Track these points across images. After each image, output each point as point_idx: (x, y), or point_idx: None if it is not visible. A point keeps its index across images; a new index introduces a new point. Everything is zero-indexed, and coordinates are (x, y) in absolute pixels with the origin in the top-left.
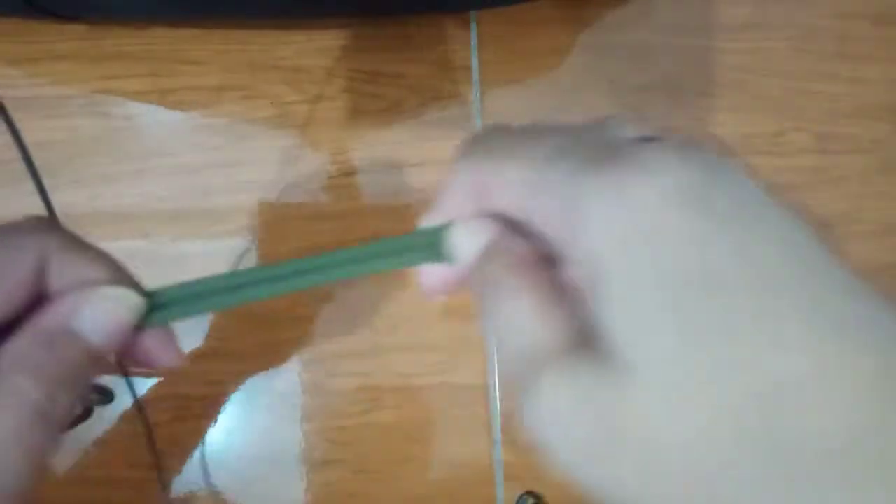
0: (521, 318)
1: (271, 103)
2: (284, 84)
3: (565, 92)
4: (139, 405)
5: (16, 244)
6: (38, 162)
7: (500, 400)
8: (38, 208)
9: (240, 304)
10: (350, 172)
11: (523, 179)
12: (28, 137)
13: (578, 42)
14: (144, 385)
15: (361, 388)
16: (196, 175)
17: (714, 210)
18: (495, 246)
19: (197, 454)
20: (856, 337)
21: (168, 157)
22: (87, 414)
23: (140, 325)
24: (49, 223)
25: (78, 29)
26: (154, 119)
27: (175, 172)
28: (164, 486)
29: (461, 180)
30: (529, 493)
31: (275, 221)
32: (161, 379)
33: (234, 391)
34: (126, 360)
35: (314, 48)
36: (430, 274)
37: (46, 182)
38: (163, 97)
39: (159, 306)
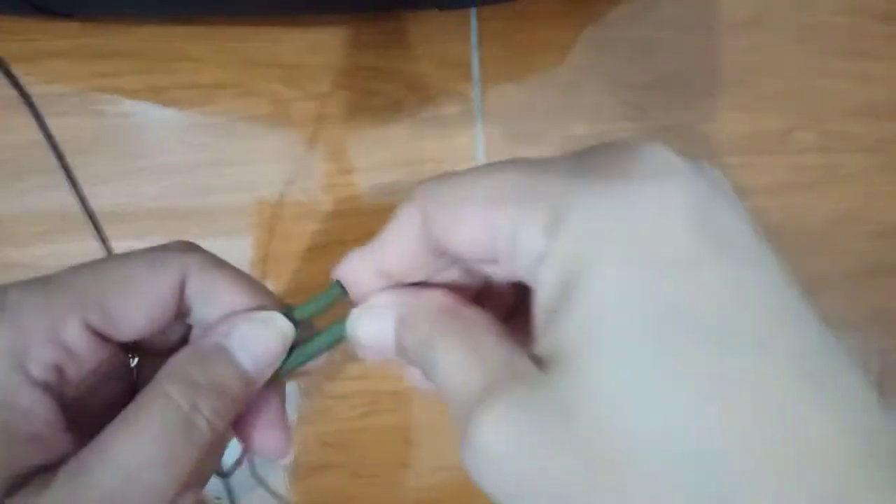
0: (452, 367)
1: (268, 101)
2: (281, 82)
3: (567, 89)
4: None
5: (160, 262)
6: (32, 162)
7: None
8: (38, 207)
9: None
10: (348, 171)
11: (497, 194)
12: (22, 136)
13: (580, 38)
14: None
15: (359, 392)
16: (192, 174)
17: (713, 237)
18: (410, 316)
19: None
20: (842, 406)
21: (163, 156)
22: None
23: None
24: (190, 244)
25: (72, 27)
26: (149, 117)
27: (170, 171)
28: None
29: (406, 223)
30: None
31: (271, 221)
32: None
33: None
34: (240, 439)
35: (312, 45)
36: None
37: (41, 182)
38: (158, 95)
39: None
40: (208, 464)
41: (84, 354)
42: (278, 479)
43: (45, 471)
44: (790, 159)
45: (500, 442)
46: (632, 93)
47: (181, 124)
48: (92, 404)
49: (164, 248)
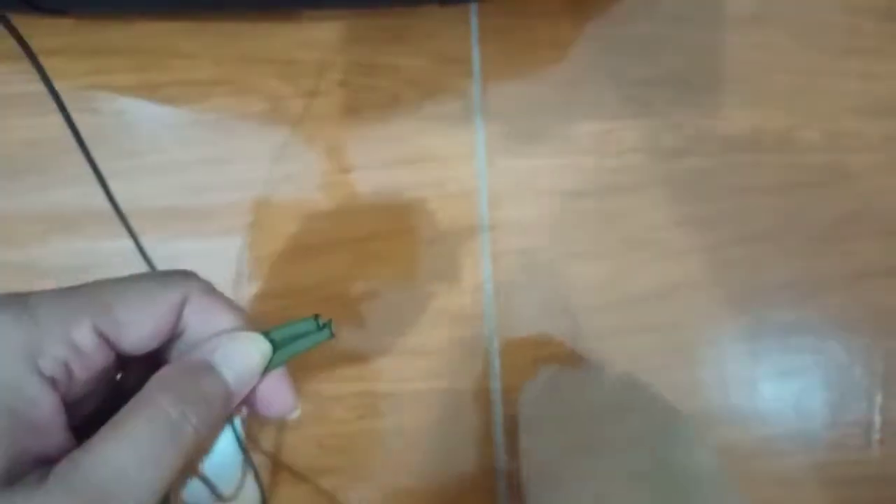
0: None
1: (264, 98)
2: (278, 78)
3: (567, 85)
4: None
5: (168, 281)
6: (27, 160)
7: (502, 405)
8: (36, 207)
9: (304, 351)
10: (346, 169)
11: None
12: (18, 135)
13: (581, 34)
14: None
15: (355, 394)
16: (188, 172)
17: None
18: None
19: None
20: None
21: (159, 154)
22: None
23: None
24: (190, 272)
25: (66, 24)
26: (144, 114)
27: (166, 169)
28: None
29: None
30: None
31: (269, 219)
32: None
33: None
34: (250, 408)
35: (308, 40)
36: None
37: (36, 181)
38: (153, 92)
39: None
40: (190, 465)
41: (91, 357)
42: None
43: (42, 463)
44: (793, 157)
45: None
46: (633, 89)
47: (176, 121)
48: (84, 407)
49: (168, 273)
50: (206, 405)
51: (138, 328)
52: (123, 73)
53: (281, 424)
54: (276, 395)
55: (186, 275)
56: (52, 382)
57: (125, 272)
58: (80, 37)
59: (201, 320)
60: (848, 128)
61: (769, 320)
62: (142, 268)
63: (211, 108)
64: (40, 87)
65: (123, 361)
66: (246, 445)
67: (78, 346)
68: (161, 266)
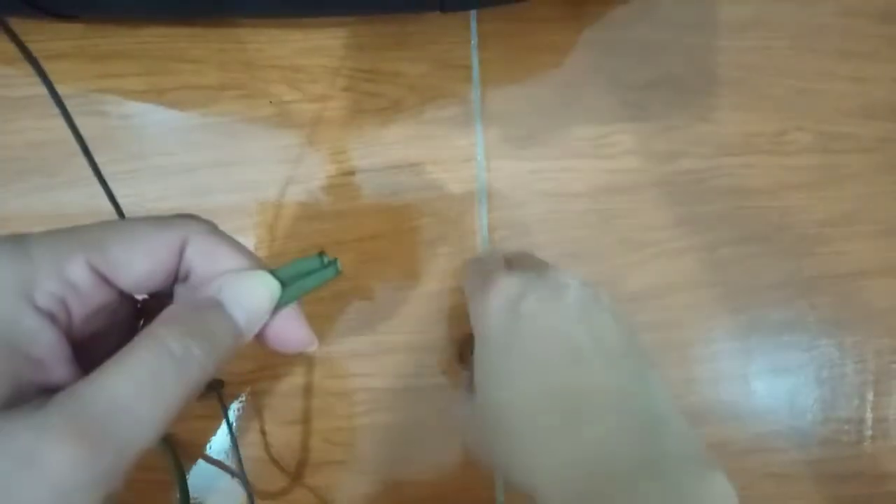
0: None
1: (270, 102)
2: (283, 83)
3: (566, 89)
4: None
5: (164, 223)
6: (35, 162)
7: None
8: (43, 208)
9: (313, 287)
10: (349, 172)
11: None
12: (26, 137)
13: (579, 40)
14: None
15: (360, 390)
16: (194, 175)
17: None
18: None
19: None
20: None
21: (166, 157)
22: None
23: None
24: (192, 215)
25: (75, 28)
26: (151, 118)
27: (173, 172)
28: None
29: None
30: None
31: (274, 221)
32: None
33: (234, 394)
34: (266, 345)
35: (313, 47)
36: None
37: (44, 182)
38: (160, 96)
39: (283, 286)
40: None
41: (87, 293)
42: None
43: (45, 392)
44: (789, 159)
45: None
46: (631, 93)
47: (183, 125)
48: (100, 351)
49: (167, 217)
50: (211, 341)
51: (133, 267)
52: (131, 78)
53: (286, 420)
54: (291, 331)
55: (186, 217)
56: (50, 317)
57: None
58: (89, 41)
59: (206, 262)
60: (842, 130)
61: (763, 319)
62: None
63: (217, 113)
64: (45, 91)
65: (142, 307)
66: (238, 443)
67: (73, 282)
68: None
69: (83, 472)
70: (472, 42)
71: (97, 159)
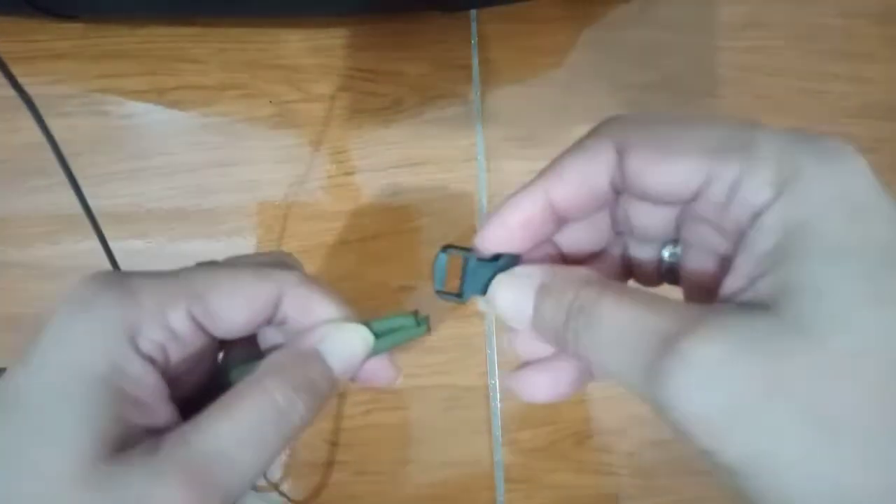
0: (625, 323)
1: (270, 102)
2: (284, 83)
3: (566, 90)
4: None
5: (264, 275)
6: (34, 163)
7: (501, 401)
8: (42, 209)
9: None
10: (350, 172)
11: (717, 145)
12: (26, 137)
13: (579, 40)
14: None
15: (362, 390)
16: (195, 174)
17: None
18: (554, 283)
19: None
20: None
21: (166, 157)
22: None
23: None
24: (288, 261)
25: (76, 28)
26: (152, 118)
27: (174, 172)
28: None
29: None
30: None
31: (274, 221)
32: None
33: None
34: (353, 381)
35: (313, 47)
36: (522, 344)
37: (43, 183)
38: (161, 96)
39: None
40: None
41: (186, 341)
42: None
43: (149, 434)
44: None
45: (721, 352)
46: (631, 93)
47: (184, 125)
48: (185, 382)
49: (268, 262)
50: (312, 393)
51: (231, 318)
52: (132, 77)
53: None
54: (377, 372)
55: (284, 268)
56: (151, 361)
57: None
58: (90, 41)
59: (301, 311)
60: (841, 130)
61: None
62: (146, 268)
63: (218, 112)
64: (46, 90)
65: (224, 341)
66: None
67: (174, 331)
68: (169, 267)
69: None
70: (472, 42)
71: (97, 159)
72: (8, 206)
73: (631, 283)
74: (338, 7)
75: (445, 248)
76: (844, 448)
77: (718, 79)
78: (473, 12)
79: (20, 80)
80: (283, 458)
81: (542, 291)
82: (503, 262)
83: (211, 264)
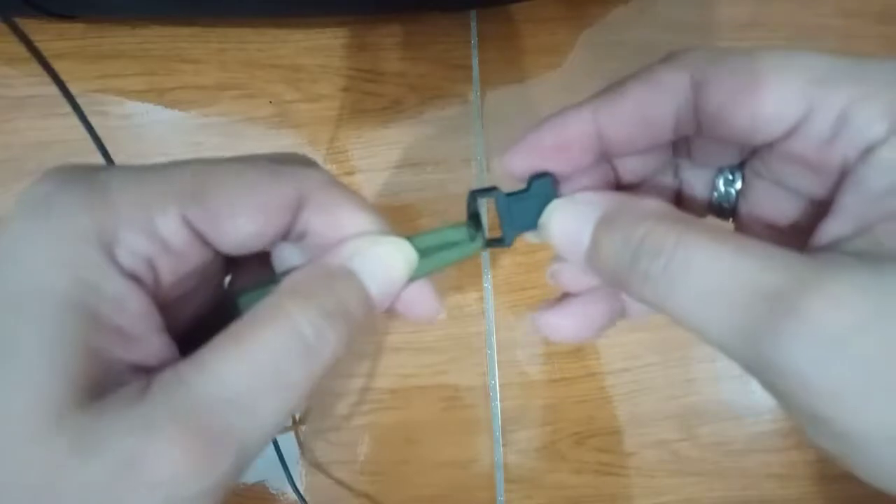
0: (720, 273)
1: (270, 102)
2: (283, 83)
3: (565, 90)
4: None
5: (280, 172)
6: (35, 162)
7: (501, 401)
8: None
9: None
10: (350, 172)
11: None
12: (25, 137)
13: (579, 41)
14: None
15: (361, 389)
16: None
17: None
18: (619, 215)
19: None
20: None
21: (166, 157)
22: None
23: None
24: (309, 159)
25: (76, 28)
26: (152, 118)
27: None
28: None
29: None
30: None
31: None
32: None
33: None
34: (390, 311)
35: (313, 46)
36: (564, 275)
37: None
38: (161, 96)
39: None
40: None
41: (180, 253)
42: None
43: (137, 373)
44: None
45: (855, 316)
46: None
47: (183, 125)
48: (183, 311)
49: (283, 159)
50: (345, 320)
51: (238, 226)
52: (132, 78)
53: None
54: (417, 300)
55: (304, 165)
56: (136, 280)
57: None
58: (90, 41)
59: (327, 220)
60: None
61: None
62: None
63: (218, 113)
64: (48, 90)
65: (230, 262)
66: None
67: (163, 239)
68: None
69: (197, 481)
70: (473, 42)
71: (98, 159)
72: (6, 206)
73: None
74: (338, 7)
75: (472, 194)
76: None
77: None
78: (473, 12)
79: (19, 80)
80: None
81: (605, 223)
82: (537, 188)
83: (209, 158)
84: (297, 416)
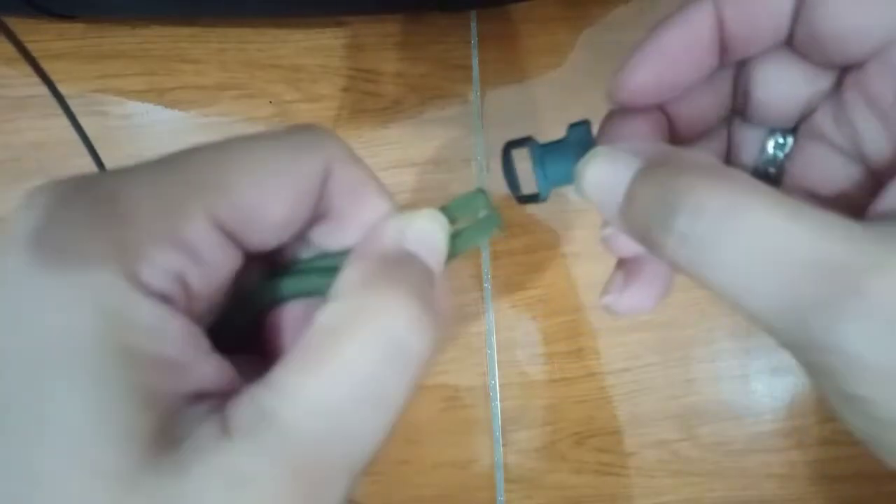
0: (771, 239)
1: (270, 102)
2: (283, 83)
3: (565, 91)
4: None
5: (301, 147)
6: (34, 162)
7: (501, 401)
8: None
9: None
10: None
11: None
12: (25, 137)
13: (579, 41)
14: None
15: None
16: None
17: None
18: (661, 168)
19: None
20: None
21: None
22: None
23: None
24: (327, 130)
25: (76, 28)
26: (152, 118)
27: None
28: None
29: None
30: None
31: None
32: None
33: None
34: None
35: (313, 47)
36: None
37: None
38: (161, 96)
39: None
40: None
41: (210, 261)
42: None
43: (199, 401)
44: None
45: None
46: None
47: (183, 126)
48: (207, 320)
49: (302, 131)
50: (431, 309)
51: (270, 212)
52: (131, 78)
53: None
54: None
55: (320, 133)
56: (166, 300)
57: None
58: (89, 41)
59: (350, 201)
60: None
61: None
62: None
63: (217, 113)
64: (45, 90)
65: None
66: None
67: (192, 247)
68: None
69: None
70: (473, 42)
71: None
72: (8, 206)
73: None
74: (338, 7)
75: (506, 147)
76: None
77: None
78: (473, 12)
79: (19, 80)
80: None
81: (643, 174)
82: (574, 136)
83: (221, 143)
84: None
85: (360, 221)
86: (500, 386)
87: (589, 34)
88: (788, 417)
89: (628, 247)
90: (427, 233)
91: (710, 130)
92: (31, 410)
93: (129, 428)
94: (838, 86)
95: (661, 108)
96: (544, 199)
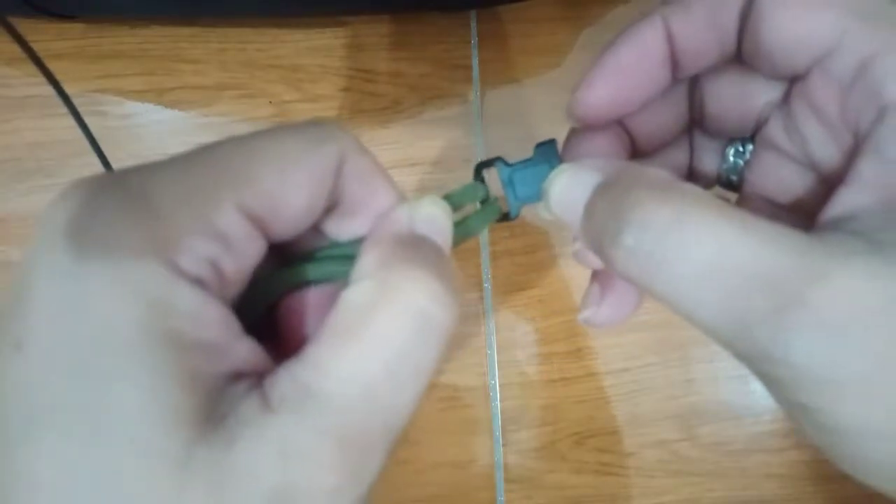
0: (717, 253)
1: (270, 102)
2: (283, 83)
3: (565, 90)
4: None
5: (316, 138)
6: (34, 162)
7: (500, 401)
8: (40, 208)
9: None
10: None
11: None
12: (25, 137)
13: (579, 41)
14: None
15: None
16: None
17: None
18: (617, 182)
19: None
20: None
21: (166, 157)
22: None
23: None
24: (336, 123)
25: (75, 28)
26: (151, 118)
27: None
28: None
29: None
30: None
31: None
32: None
33: None
34: None
35: (313, 47)
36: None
37: (43, 183)
38: (160, 96)
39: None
40: None
41: (240, 249)
42: None
43: (237, 381)
44: None
45: (865, 309)
46: None
47: (183, 126)
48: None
49: (317, 124)
50: (451, 284)
51: (293, 200)
52: (131, 78)
53: None
54: None
55: (336, 128)
56: (203, 286)
57: None
58: (89, 41)
59: (362, 190)
60: None
61: None
62: None
63: (217, 113)
64: (47, 90)
65: None
66: None
67: (224, 235)
68: None
69: (352, 493)
70: (472, 42)
71: (96, 160)
72: (8, 206)
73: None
74: (338, 7)
75: (477, 168)
76: None
77: None
78: (473, 12)
79: (19, 80)
80: None
81: (599, 190)
82: (540, 155)
83: (242, 137)
84: None
85: (371, 209)
86: (499, 386)
87: (589, 34)
88: (788, 417)
89: (597, 261)
90: (434, 216)
91: (672, 142)
92: (90, 399)
93: (178, 409)
94: (787, 96)
95: (620, 124)
96: (514, 217)
